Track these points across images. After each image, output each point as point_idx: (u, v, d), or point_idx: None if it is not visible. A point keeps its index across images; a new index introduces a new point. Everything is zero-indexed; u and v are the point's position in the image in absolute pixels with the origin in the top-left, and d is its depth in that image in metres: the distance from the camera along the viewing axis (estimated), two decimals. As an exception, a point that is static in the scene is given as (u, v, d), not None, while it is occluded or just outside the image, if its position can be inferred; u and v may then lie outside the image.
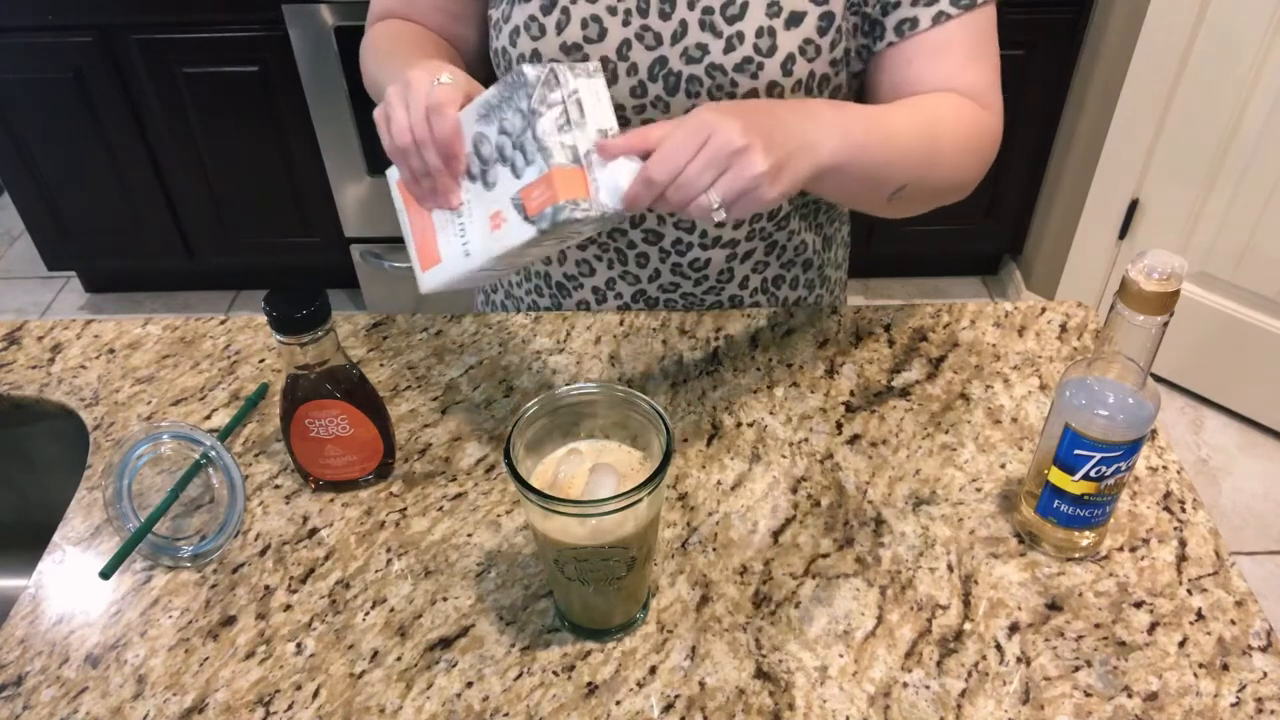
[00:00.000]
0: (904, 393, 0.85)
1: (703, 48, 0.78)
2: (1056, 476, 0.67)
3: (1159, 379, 1.47)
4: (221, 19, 1.99)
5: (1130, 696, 0.62)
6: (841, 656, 0.65)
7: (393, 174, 0.75)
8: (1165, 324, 0.59)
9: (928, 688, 0.63)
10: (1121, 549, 0.71)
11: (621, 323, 0.93)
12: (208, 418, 0.84)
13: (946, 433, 0.81)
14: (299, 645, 0.67)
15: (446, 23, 0.90)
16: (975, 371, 0.87)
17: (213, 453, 0.76)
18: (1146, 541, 0.72)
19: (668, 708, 0.62)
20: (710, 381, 0.86)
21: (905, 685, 0.63)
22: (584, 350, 0.90)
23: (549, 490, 0.60)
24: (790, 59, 0.78)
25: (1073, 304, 0.94)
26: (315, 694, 0.64)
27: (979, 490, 0.76)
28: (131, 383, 0.89)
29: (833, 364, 0.88)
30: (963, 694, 0.62)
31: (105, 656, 0.67)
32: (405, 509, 0.76)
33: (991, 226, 2.35)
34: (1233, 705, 0.62)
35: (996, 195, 2.29)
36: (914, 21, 0.79)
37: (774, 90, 0.79)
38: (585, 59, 0.79)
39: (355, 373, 0.74)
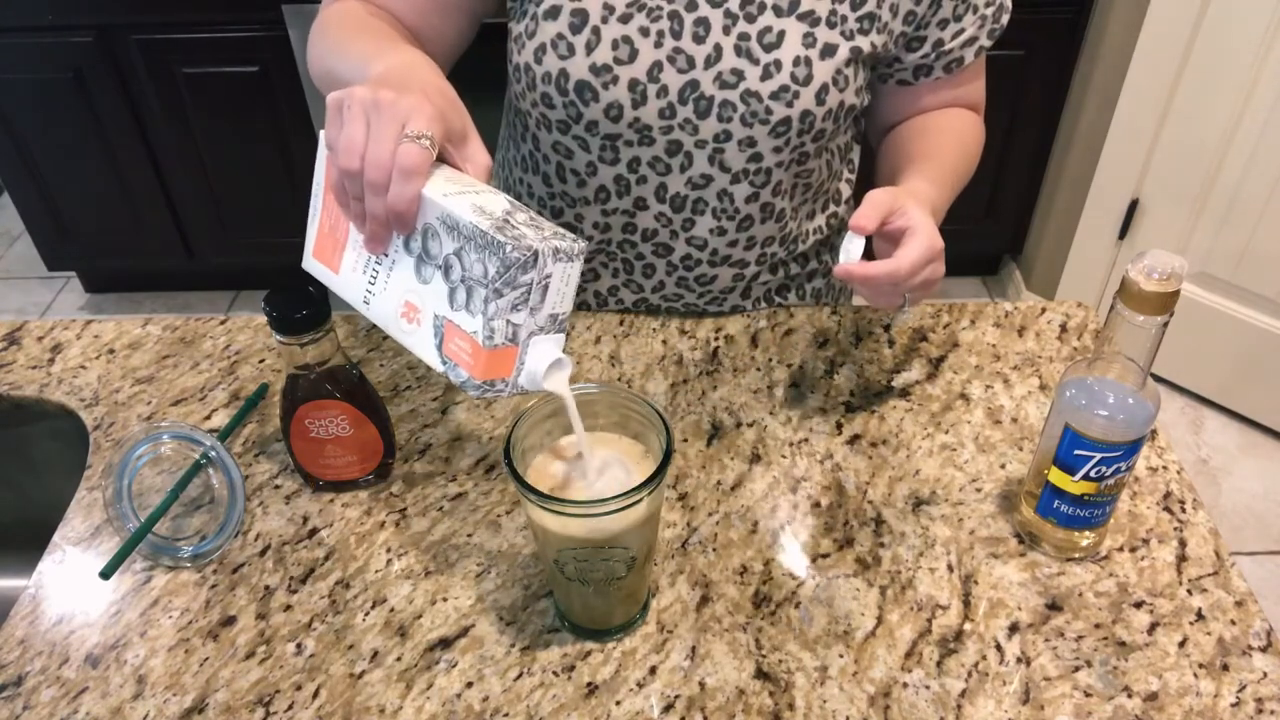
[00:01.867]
0: (904, 393, 0.85)
1: (738, 73, 0.78)
2: (1056, 476, 0.67)
3: (1159, 379, 1.47)
4: (221, 19, 1.99)
5: (1130, 696, 0.62)
6: (841, 656, 0.65)
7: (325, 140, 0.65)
8: (1165, 324, 0.59)
9: (928, 688, 0.63)
10: (1121, 549, 0.71)
11: (621, 323, 0.93)
12: (208, 418, 0.84)
13: (946, 433, 0.81)
14: (299, 645, 0.67)
15: (428, 10, 0.82)
16: (975, 371, 0.87)
17: (213, 453, 0.76)
18: (1146, 542, 0.72)
19: (668, 708, 0.62)
20: (710, 381, 0.86)
21: (905, 685, 0.63)
22: (584, 350, 0.90)
23: (549, 487, 0.60)
24: (825, 89, 0.79)
25: (1073, 304, 0.94)
26: (315, 694, 0.64)
27: (979, 490, 0.76)
28: (131, 383, 0.89)
29: (833, 364, 0.88)
30: (963, 694, 0.62)
31: (105, 657, 0.67)
32: (405, 509, 0.76)
33: (991, 226, 2.35)
34: (1233, 705, 0.62)
35: (996, 195, 2.29)
36: (960, 61, 0.86)
37: (807, 119, 0.80)
38: (615, 80, 0.78)
39: (355, 373, 0.74)
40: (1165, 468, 0.77)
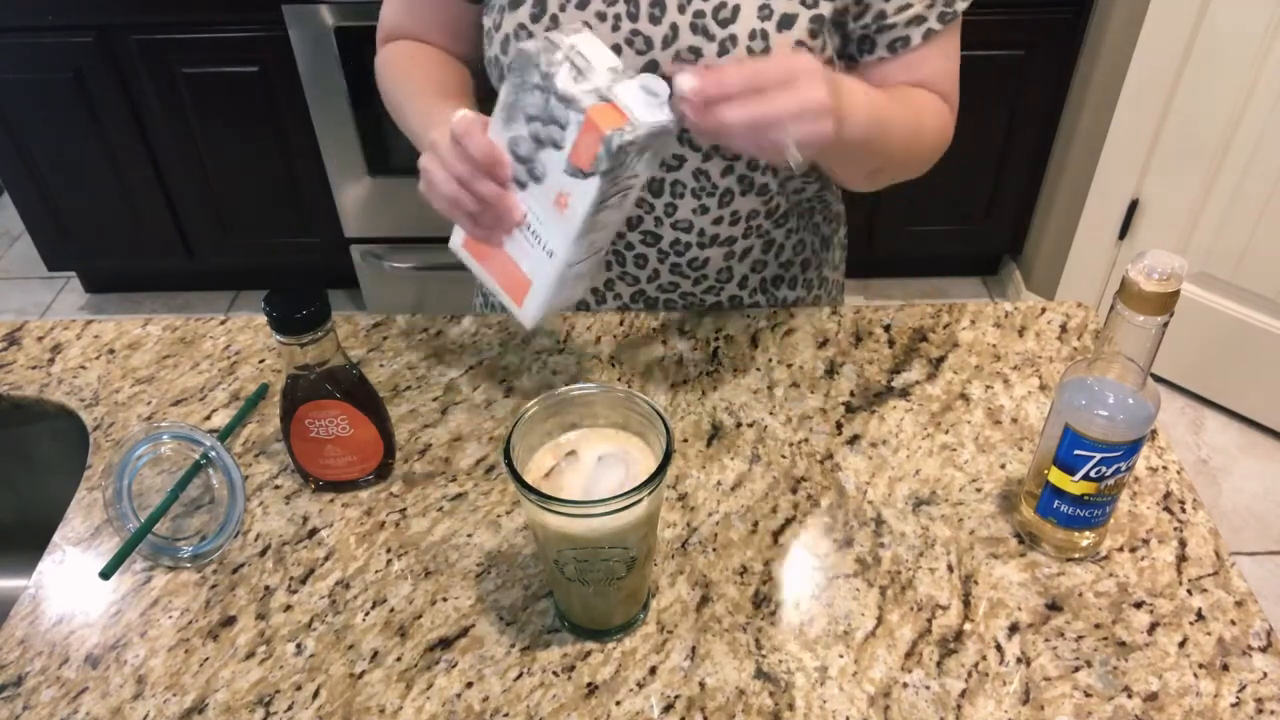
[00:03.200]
0: (904, 393, 0.85)
1: (695, 51, 0.79)
2: (1056, 477, 0.67)
3: (1159, 379, 1.47)
4: (221, 19, 1.99)
5: (1130, 697, 0.62)
6: (841, 657, 0.65)
7: (454, 243, 0.76)
8: (1165, 324, 0.59)
9: (928, 688, 0.63)
10: (1121, 549, 0.71)
11: (621, 323, 0.93)
12: (208, 418, 0.84)
13: (946, 433, 0.81)
14: (299, 645, 0.67)
15: (450, 42, 0.91)
16: (975, 372, 0.87)
17: (213, 453, 0.76)
18: (1146, 542, 0.72)
19: (668, 708, 0.62)
20: (710, 381, 0.86)
21: (905, 685, 0.63)
22: (584, 350, 0.90)
23: (549, 484, 0.60)
24: None
25: (1073, 304, 0.94)
26: (315, 694, 0.64)
27: (979, 490, 0.76)
28: (131, 383, 0.89)
29: (833, 364, 0.88)
30: (963, 694, 0.62)
31: (105, 657, 0.67)
32: (405, 509, 0.76)
33: (991, 226, 2.35)
34: (1233, 705, 0.62)
35: (996, 195, 2.29)
36: (906, 40, 0.81)
37: None
38: None
39: (355, 373, 0.74)
40: (1165, 468, 0.77)
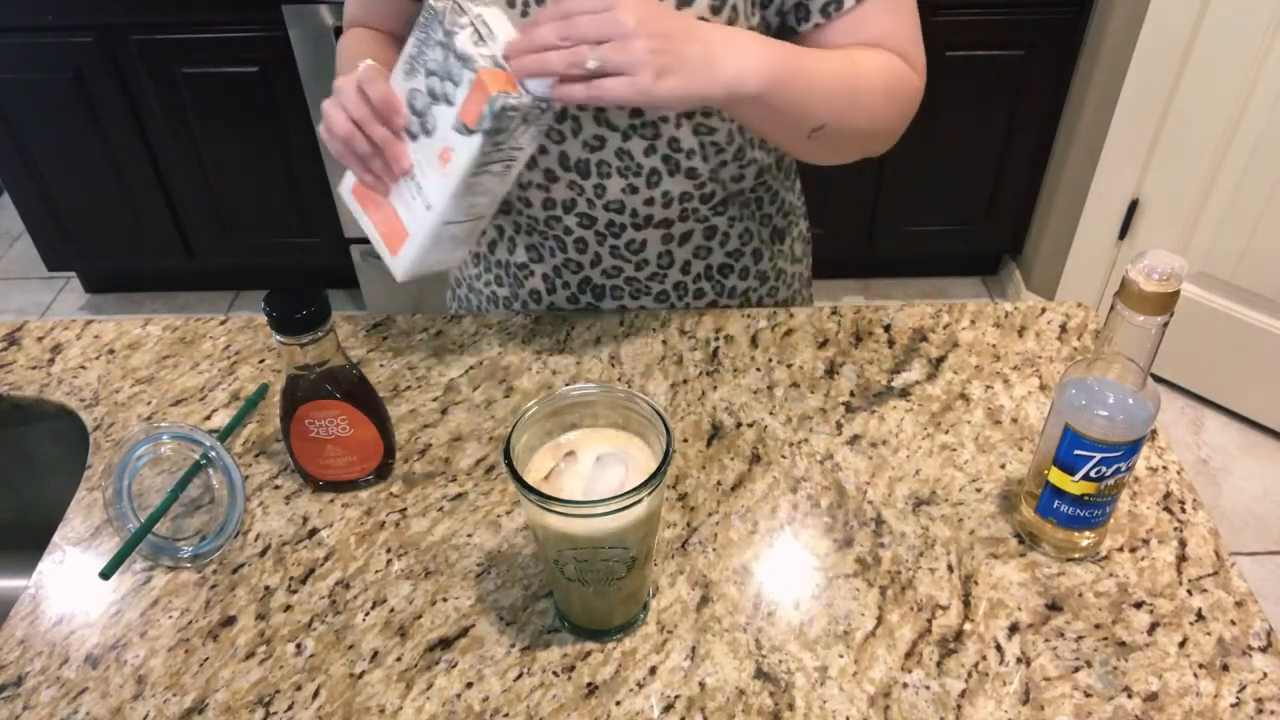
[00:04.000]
0: (904, 393, 0.85)
1: None
2: (1056, 477, 0.67)
3: (1159, 379, 1.47)
4: (221, 19, 1.99)
5: (1130, 697, 0.62)
6: (841, 657, 0.65)
7: (345, 187, 0.79)
8: (1165, 324, 0.59)
9: (928, 688, 0.63)
10: (1121, 549, 0.71)
11: (621, 323, 0.93)
12: (208, 418, 0.84)
13: (946, 433, 0.81)
14: (299, 645, 0.67)
15: (402, 31, 0.91)
16: (975, 372, 0.87)
17: (213, 453, 0.76)
18: (1146, 542, 0.72)
19: (668, 708, 0.62)
20: (710, 381, 0.86)
21: (905, 685, 0.63)
22: (584, 350, 0.90)
23: (549, 485, 0.60)
24: None
25: (1073, 304, 0.94)
26: (315, 694, 0.64)
27: (979, 490, 0.76)
28: (131, 383, 0.89)
29: (833, 364, 0.88)
30: (963, 694, 0.62)
31: (105, 657, 0.67)
32: (405, 509, 0.76)
33: (991, 226, 2.35)
34: (1233, 706, 0.62)
35: (996, 195, 2.29)
36: (838, 3, 0.79)
37: None
38: None
39: (355, 373, 0.74)
40: (1165, 468, 0.77)
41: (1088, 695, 0.62)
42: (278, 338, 0.68)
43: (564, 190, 0.88)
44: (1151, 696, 0.62)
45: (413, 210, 0.74)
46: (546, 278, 0.97)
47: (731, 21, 0.79)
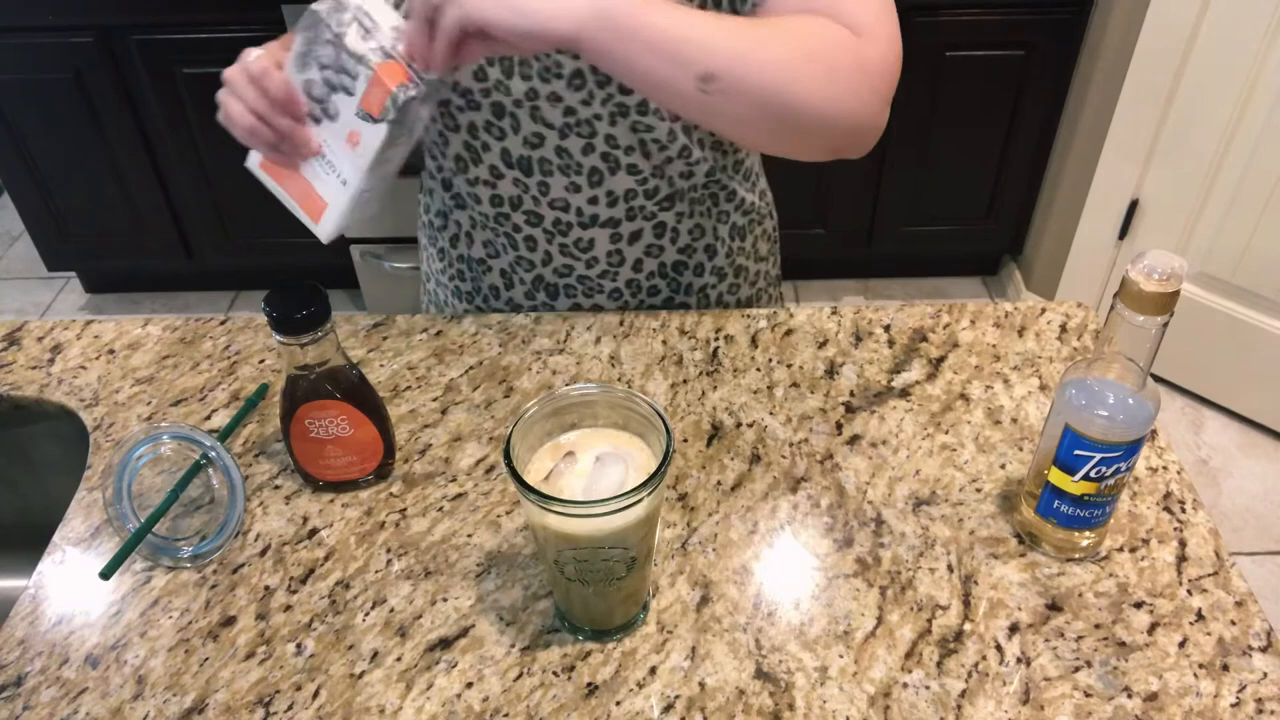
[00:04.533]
0: (904, 393, 0.85)
1: None
2: (1056, 477, 0.67)
3: (1159, 379, 1.47)
4: (221, 19, 1.99)
5: (1130, 697, 0.62)
6: (841, 657, 0.65)
7: (251, 162, 0.84)
8: (1165, 324, 0.59)
9: (928, 688, 0.63)
10: (1121, 549, 0.71)
11: (621, 323, 0.93)
12: (208, 418, 0.84)
13: (946, 433, 0.81)
14: (299, 646, 0.67)
15: None
16: (975, 372, 0.87)
17: (213, 453, 0.76)
18: (1146, 542, 0.72)
19: (668, 708, 0.62)
20: (710, 381, 0.86)
21: (905, 685, 0.63)
22: (584, 350, 0.90)
23: (549, 485, 0.60)
24: None
25: (1073, 304, 0.94)
26: (315, 694, 0.64)
27: (979, 490, 0.76)
28: (131, 383, 0.89)
29: (833, 364, 0.88)
30: (963, 694, 0.62)
31: (105, 657, 0.67)
32: (405, 509, 0.76)
33: (991, 226, 2.35)
34: (1233, 706, 0.62)
35: (996, 195, 2.29)
36: None
37: (598, 69, 0.78)
38: None
39: (355, 373, 0.74)
40: (1165, 468, 0.77)
41: (1088, 695, 0.62)
42: (278, 338, 0.68)
43: (510, 187, 0.89)
44: (1151, 696, 0.62)
45: (327, 184, 0.79)
46: (504, 273, 0.98)
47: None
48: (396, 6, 0.77)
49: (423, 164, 1.00)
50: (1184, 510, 0.74)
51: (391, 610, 0.69)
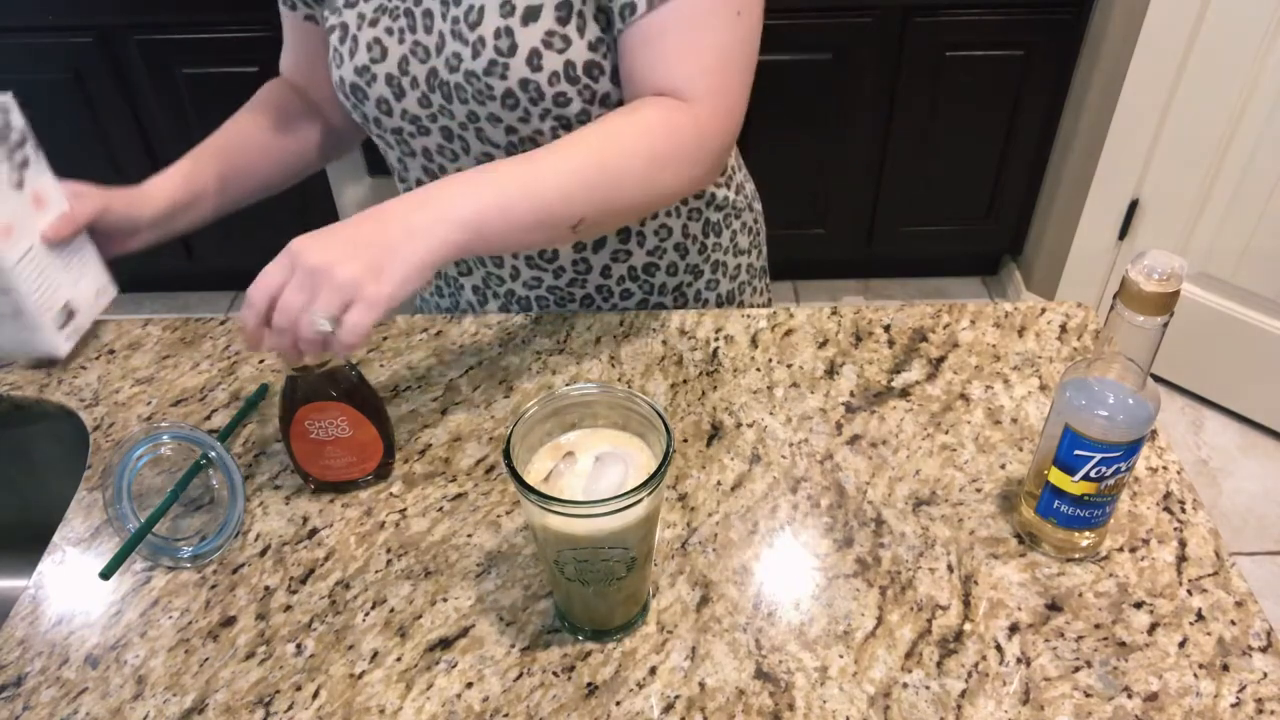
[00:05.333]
0: (904, 393, 0.85)
1: (458, 56, 0.81)
2: (1056, 477, 0.67)
3: (1159, 379, 1.47)
4: (221, 19, 1.99)
5: (1130, 697, 0.62)
6: (841, 657, 0.65)
7: None
8: (1165, 324, 0.59)
9: (928, 688, 0.63)
10: (1121, 549, 0.71)
11: (621, 323, 0.93)
12: (208, 418, 0.84)
13: (946, 433, 0.81)
14: (299, 646, 0.67)
15: (314, 73, 0.98)
16: (975, 372, 0.87)
17: (213, 453, 0.76)
18: (1146, 542, 0.72)
19: (668, 708, 0.62)
20: (710, 381, 0.86)
21: (905, 686, 0.63)
22: (584, 350, 0.90)
23: (549, 486, 0.60)
24: (535, 54, 0.79)
25: (1072, 304, 0.94)
26: (315, 694, 0.64)
27: (979, 491, 0.76)
28: (131, 383, 0.89)
29: (833, 364, 0.88)
30: (963, 694, 0.62)
31: (105, 657, 0.67)
32: (405, 509, 0.76)
33: (991, 226, 2.35)
34: (1233, 706, 0.62)
35: (996, 195, 2.29)
36: (633, 7, 0.76)
37: (529, 87, 0.79)
38: (374, 79, 0.85)
39: (354, 374, 0.74)
40: (1165, 468, 0.77)
41: (1088, 695, 0.62)
42: None
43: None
44: (1151, 696, 0.62)
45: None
46: (477, 289, 1.00)
47: (580, 31, 0.78)
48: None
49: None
50: (1184, 510, 0.74)
51: (391, 610, 0.69)
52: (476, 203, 0.69)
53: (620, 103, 0.84)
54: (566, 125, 0.83)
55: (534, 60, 0.79)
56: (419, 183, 0.92)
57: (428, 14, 0.82)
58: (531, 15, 0.78)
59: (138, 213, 0.89)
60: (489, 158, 0.86)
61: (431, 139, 0.88)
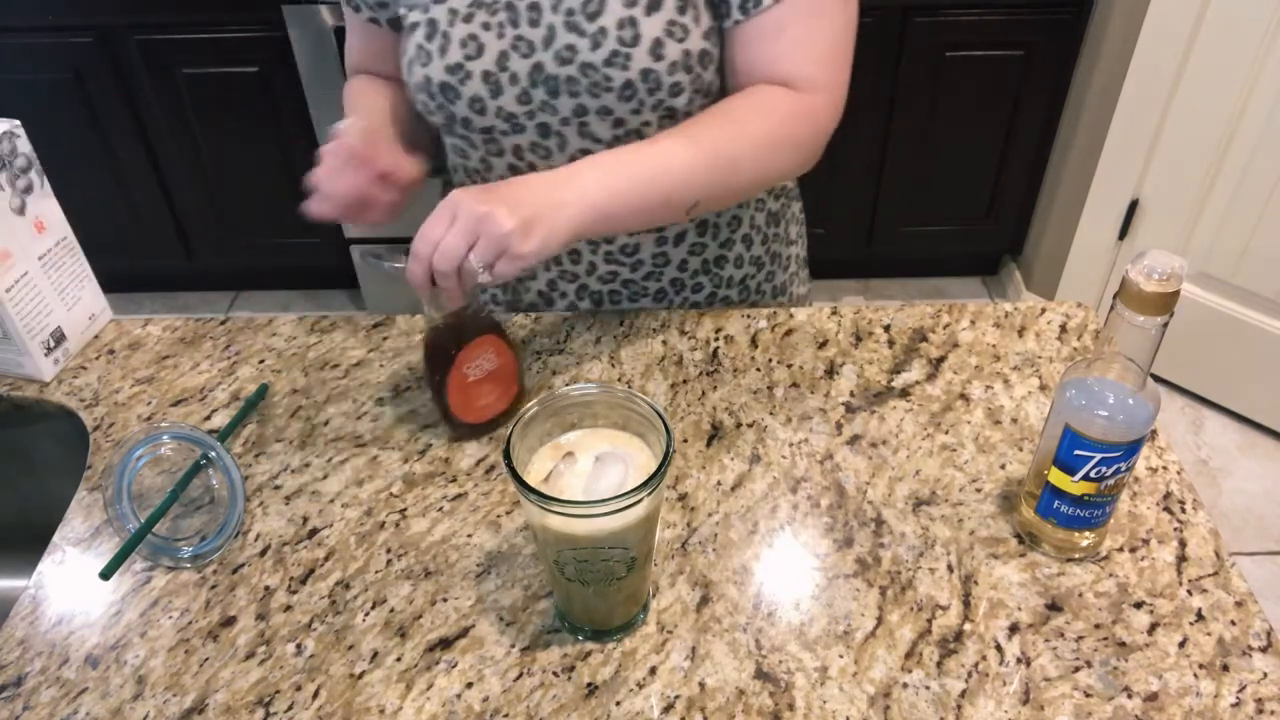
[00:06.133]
0: (904, 393, 0.85)
1: (572, 48, 0.80)
2: (1056, 477, 0.67)
3: (1159, 379, 1.47)
4: (221, 19, 1.99)
5: (1130, 697, 0.62)
6: (841, 657, 0.65)
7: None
8: (1165, 324, 0.59)
9: (928, 688, 0.63)
10: (1121, 549, 0.71)
11: (621, 323, 0.93)
12: (208, 418, 0.84)
13: (946, 433, 0.81)
14: (299, 646, 0.67)
15: (389, 64, 0.94)
16: (975, 372, 0.87)
17: (213, 453, 0.76)
18: (1146, 542, 0.72)
19: (668, 708, 0.62)
20: (710, 381, 0.86)
21: (905, 686, 0.63)
22: (584, 350, 0.90)
23: (549, 486, 0.60)
24: (658, 44, 0.79)
25: (1072, 304, 0.94)
26: (315, 694, 0.64)
27: (979, 491, 0.76)
28: (131, 383, 0.89)
29: (833, 364, 0.88)
30: (963, 694, 0.62)
31: (105, 657, 0.67)
32: (405, 509, 0.76)
33: (991, 226, 2.35)
34: (1233, 706, 0.62)
35: (996, 195, 2.29)
36: (756, 1, 0.80)
37: (650, 77, 0.80)
38: (469, 76, 0.83)
39: (484, 308, 0.79)
40: (1165, 468, 0.77)
41: (1088, 695, 0.62)
42: (435, 286, 0.72)
43: None
44: (1151, 696, 0.62)
45: None
46: (543, 293, 0.98)
47: (695, 20, 0.80)
48: None
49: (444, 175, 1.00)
50: (1184, 510, 0.74)
51: (391, 610, 0.69)
52: (608, 189, 0.75)
53: (721, 92, 0.86)
54: (672, 116, 0.84)
55: (657, 50, 0.79)
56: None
57: (533, 7, 0.80)
58: (654, 5, 0.79)
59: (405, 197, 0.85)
60: (585, 154, 0.85)
61: (525, 136, 0.86)
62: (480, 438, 0.81)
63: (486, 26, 0.82)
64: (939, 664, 0.64)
